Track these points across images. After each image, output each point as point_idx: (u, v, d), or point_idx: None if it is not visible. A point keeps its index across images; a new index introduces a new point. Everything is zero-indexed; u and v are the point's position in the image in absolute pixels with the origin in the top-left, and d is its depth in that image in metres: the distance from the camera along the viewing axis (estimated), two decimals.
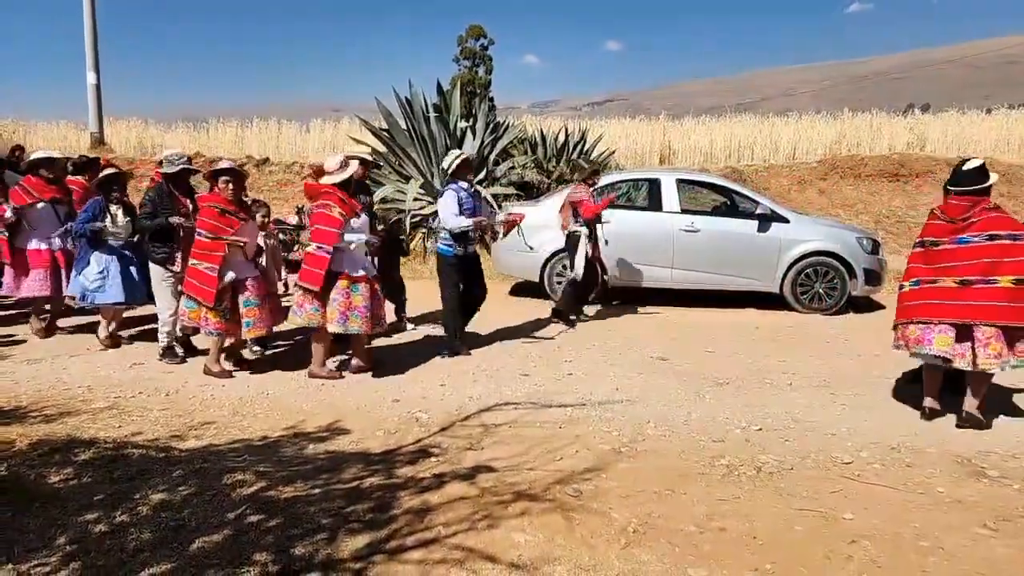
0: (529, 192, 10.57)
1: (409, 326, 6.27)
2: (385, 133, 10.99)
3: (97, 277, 5.20)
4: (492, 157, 10.96)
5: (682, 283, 7.48)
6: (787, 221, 7.34)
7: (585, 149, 12.46)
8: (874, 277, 7.24)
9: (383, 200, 9.93)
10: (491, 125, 11.43)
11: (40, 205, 5.57)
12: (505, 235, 5.85)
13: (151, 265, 5.00)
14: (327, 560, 2.39)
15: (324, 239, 4.52)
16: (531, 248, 6.66)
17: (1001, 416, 4.18)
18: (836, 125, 15.94)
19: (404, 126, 10.71)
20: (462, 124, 10.94)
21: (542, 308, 7.01)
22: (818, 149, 15.00)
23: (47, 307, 5.95)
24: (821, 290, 7.20)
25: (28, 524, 2.52)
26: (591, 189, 6.58)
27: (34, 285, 5.59)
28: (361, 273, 4.65)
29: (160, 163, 5.68)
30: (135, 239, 5.33)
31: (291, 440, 3.60)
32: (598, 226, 6.64)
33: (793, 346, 5.89)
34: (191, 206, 5.02)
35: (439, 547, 2.51)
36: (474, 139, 10.87)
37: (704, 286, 7.48)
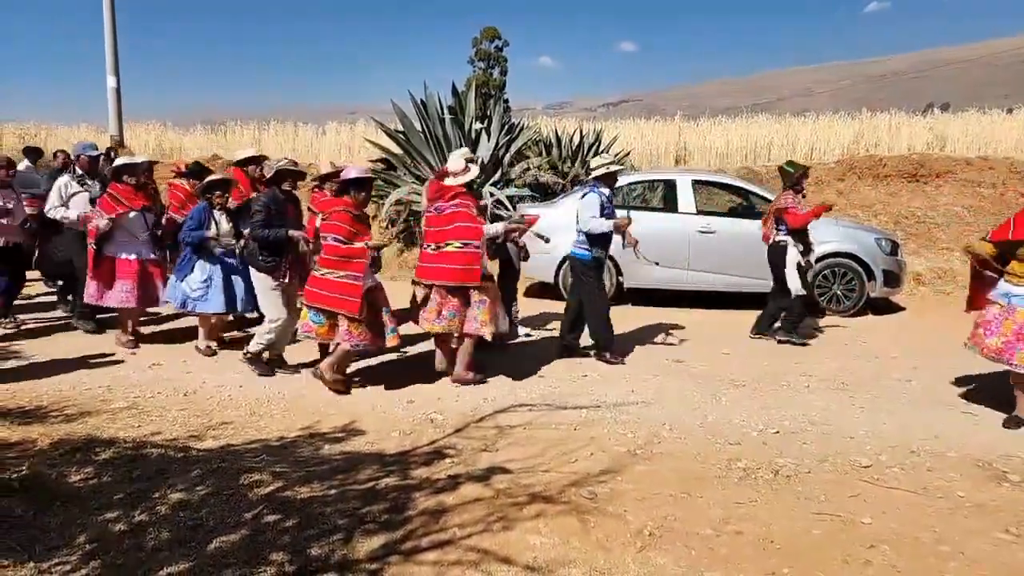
0: (544, 193, 10.56)
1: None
2: (400, 135, 11.04)
3: (201, 285, 5.12)
4: (507, 158, 10.96)
5: (698, 284, 7.42)
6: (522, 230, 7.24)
7: (600, 150, 12.42)
8: (893, 278, 7.13)
9: (398, 202, 9.98)
10: (506, 126, 11.43)
11: (132, 214, 5.40)
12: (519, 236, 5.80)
13: (255, 274, 4.78)
14: (343, 560, 2.40)
15: (472, 235, 4.44)
16: (546, 240, 6.12)
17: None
18: (854, 125, 15.72)
19: (419, 128, 10.75)
20: (477, 125, 10.95)
21: (556, 309, 6.99)
22: (836, 149, 14.81)
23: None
24: (839, 292, 7.11)
25: (49, 523, 2.56)
26: (797, 195, 5.93)
27: (119, 295, 5.40)
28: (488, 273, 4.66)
29: (240, 165, 5.69)
30: (237, 246, 5.20)
31: (307, 440, 3.63)
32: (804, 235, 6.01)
33: (810, 348, 5.82)
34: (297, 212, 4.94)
35: (454, 548, 2.52)
36: (489, 140, 10.88)
37: (720, 288, 7.41)
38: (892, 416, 4.15)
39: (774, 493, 3.08)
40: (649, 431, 3.86)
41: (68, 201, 5.68)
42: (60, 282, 6.65)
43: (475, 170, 4.67)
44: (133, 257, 5.47)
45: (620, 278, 7.61)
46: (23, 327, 6.04)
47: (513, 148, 11.11)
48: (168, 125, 16.82)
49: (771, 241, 6.01)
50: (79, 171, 5.83)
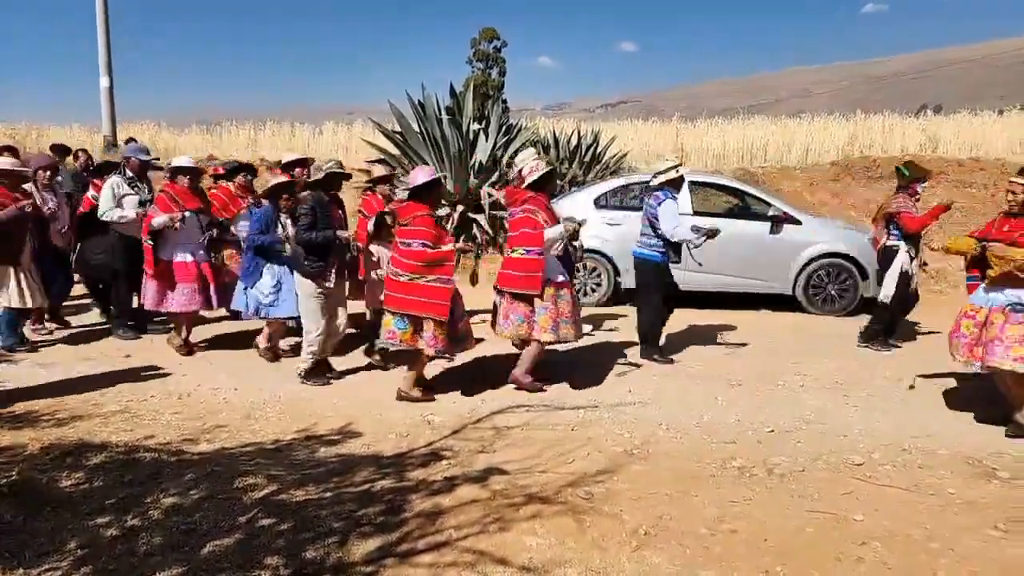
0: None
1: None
2: (398, 135, 11.03)
3: (272, 291, 5.00)
4: (505, 159, 10.96)
5: (695, 285, 7.42)
6: (799, 223, 7.27)
7: (598, 152, 12.42)
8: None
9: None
10: (504, 127, 11.41)
11: (187, 214, 5.28)
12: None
13: (298, 279, 4.64)
14: (338, 563, 2.39)
15: (532, 242, 4.40)
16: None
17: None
18: (849, 126, 15.77)
19: (417, 129, 10.74)
20: (475, 126, 10.94)
21: None
22: (831, 151, 14.84)
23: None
24: (833, 292, 7.12)
25: (39, 528, 2.54)
26: (912, 198, 5.66)
27: (182, 300, 5.28)
28: (562, 279, 4.56)
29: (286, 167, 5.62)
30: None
31: (303, 443, 3.61)
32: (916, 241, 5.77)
33: (805, 348, 5.82)
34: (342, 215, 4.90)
35: (450, 550, 2.51)
36: (487, 141, 10.85)
37: (717, 288, 7.42)
38: (885, 415, 4.16)
39: (768, 491, 3.08)
40: (646, 431, 3.86)
41: (120, 202, 5.59)
42: (99, 286, 6.48)
43: (542, 167, 4.63)
44: (191, 259, 5.36)
45: (618, 279, 7.61)
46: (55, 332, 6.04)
47: (511, 149, 11.09)
48: (162, 125, 16.76)
49: (881, 245, 5.75)
50: (129, 173, 5.74)
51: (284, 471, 3.12)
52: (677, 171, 5.22)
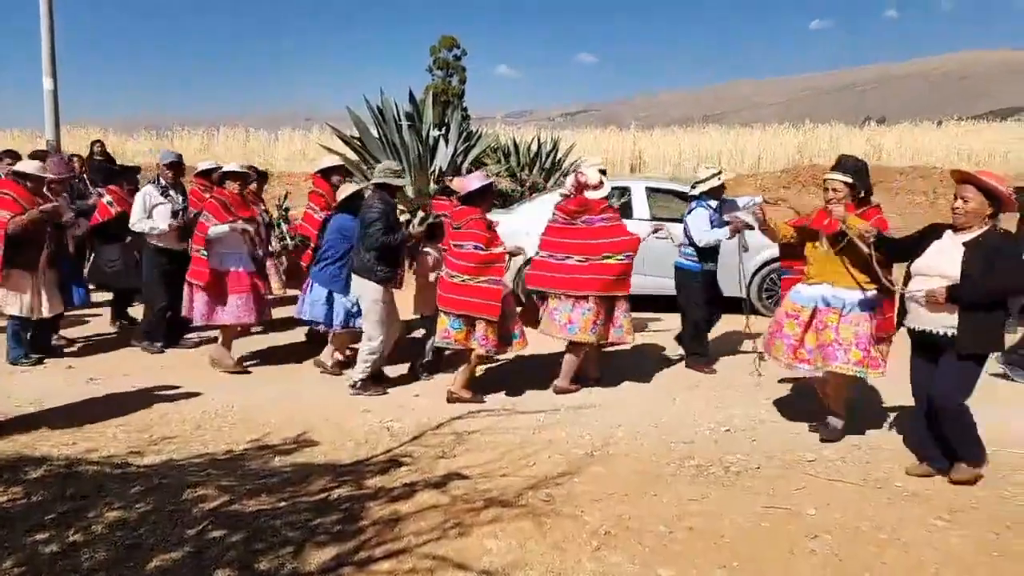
0: (503, 200, 10.60)
1: None
2: (356, 141, 10.92)
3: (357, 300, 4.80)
4: (465, 166, 10.96)
5: (654, 289, 7.53)
6: (752, 227, 7.46)
7: (558, 159, 12.54)
8: None
9: None
10: (464, 134, 11.43)
11: (239, 223, 5.08)
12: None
13: (365, 285, 4.53)
14: (293, 574, 2.33)
15: (632, 247, 4.56)
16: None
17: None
18: (798, 136, 16.37)
19: (376, 134, 10.65)
20: (435, 132, 10.93)
21: None
22: (781, 159, 15.36)
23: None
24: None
25: None
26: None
27: (235, 312, 5.01)
28: None
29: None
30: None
31: (257, 453, 3.51)
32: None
33: (759, 349, 5.96)
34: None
35: (409, 557, 2.47)
36: (447, 148, 10.86)
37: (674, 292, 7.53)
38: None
39: (725, 489, 3.14)
40: (606, 433, 3.88)
41: (151, 212, 5.38)
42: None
43: (609, 182, 4.90)
44: (243, 269, 5.11)
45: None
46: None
47: (471, 155, 11.12)
48: (110, 130, 16.20)
49: None
50: (163, 182, 5.54)
51: (236, 481, 3.03)
52: (719, 179, 5.25)
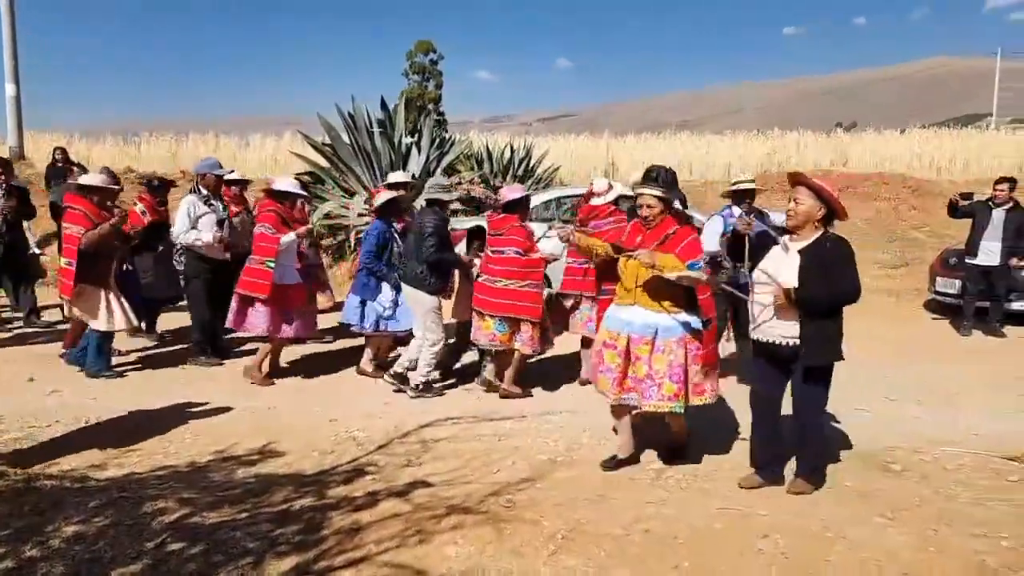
0: (477, 207, 10.66)
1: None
2: (328, 148, 10.90)
3: (391, 304, 5.03)
4: (438, 172, 11.00)
5: None
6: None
7: (531, 165, 12.66)
8: None
9: (326, 215, 9.83)
10: (436, 141, 11.48)
11: (303, 229, 5.22)
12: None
13: (417, 294, 4.75)
14: None
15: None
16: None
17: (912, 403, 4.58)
18: (768, 143, 16.70)
19: (347, 141, 10.65)
20: (407, 140, 10.95)
21: None
22: (751, 166, 15.64)
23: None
24: None
25: None
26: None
27: (299, 325, 5.11)
28: None
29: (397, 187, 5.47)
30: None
31: (220, 465, 3.52)
32: None
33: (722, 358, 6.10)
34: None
35: (368, 565, 2.51)
36: (419, 155, 10.90)
37: None
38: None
39: (682, 492, 3.24)
40: (570, 439, 3.96)
41: (196, 222, 5.29)
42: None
43: (618, 188, 5.04)
44: (301, 281, 5.21)
45: (549, 290, 7.76)
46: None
47: (444, 162, 11.17)
48: (75, 136, 15.89)
49: None
50: (204, 191, 5.44)
51: (198, 494, 3.03)
52: (739, 187, 5.22)
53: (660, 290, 3.30)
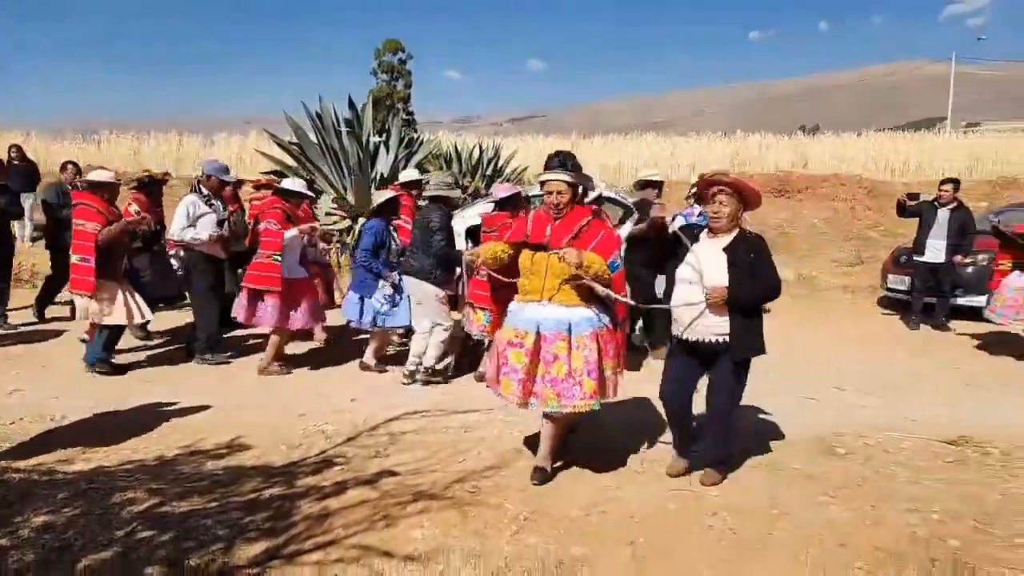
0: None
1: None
2: (295, 147, 10.86)
3: (388, 301, 5.20)
4: (408, 172, 11.05)
5: None
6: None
7: (499, 165, 12.78)
8: None
9: None
10: (405, 140, 11.52)
11: (306, 225, 5.43)
12: None
13: (423, 286, 4.96)
14: (223, 568, 2.43)
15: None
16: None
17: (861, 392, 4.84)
18: (731, 145, 17.15)
19: (315, 140, 10.63)
20: (376, 139, 10.97)
21: None
22: (715, 167, 16.07)
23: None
24: None
25: None
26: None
27: (306, 316, 5.35)
28: None
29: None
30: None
31: (188, 458, 3.55)
32: None
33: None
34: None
35: (337, 548, 2.60)
36: (388, 154, 10.93)
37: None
38: (747, 404, 4.61)
39: (639, 475, 3.40)
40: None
41: (195, 222, 5.39)
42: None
43: (599, 190, 5.05)
44: (306, 274, 5.48)
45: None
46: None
47: (413, 162, 11.21)
48: (33, 134, 15.48)
49: None
50: (205, 191, 5.56)
51: (166, 485, 3.08)
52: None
53: (575, 286, 3.12)
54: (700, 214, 5.07)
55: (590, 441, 3.87)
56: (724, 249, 3.11)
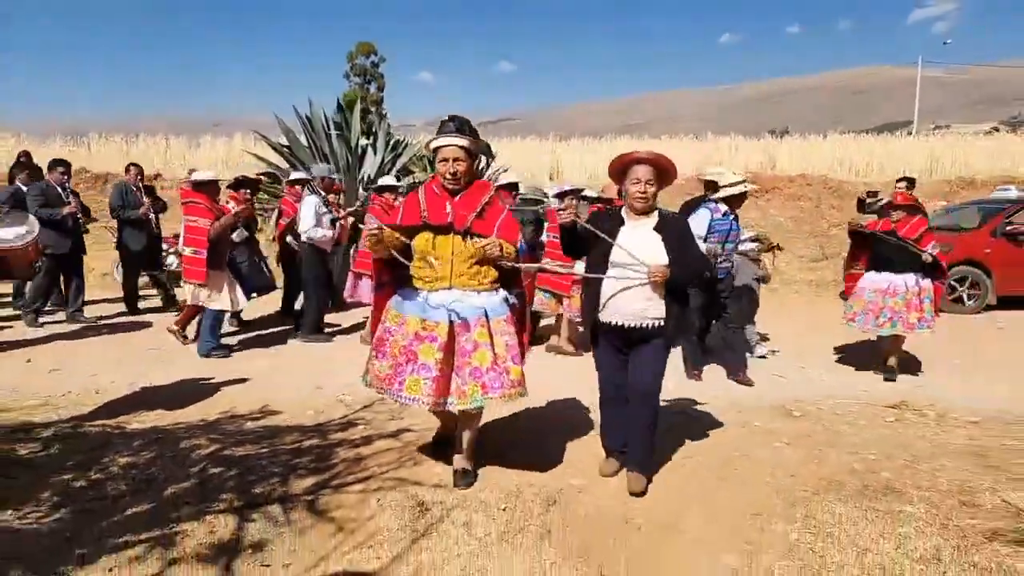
0: None
1: None
2: (285, 148, 11.27)
3: None
4: (393, 173, 11.53)
5: None
6: None
7: (480, 168, 13.30)
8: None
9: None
10: (391, 143, 11.99)
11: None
12: None
13: None
14: (284, 495, 2.92)
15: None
16: None
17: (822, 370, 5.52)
18: (702, 147, 17.92)
19: (305, 142, 11.05)
20: (363, 141, 11.43)
21: None
22: (688, 168, 16.79)
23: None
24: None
25: (12, 483, 2.83)
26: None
27: (367, 292, 6.12)
28: None
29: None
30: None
31: (229, 420, 4.01)
32: None
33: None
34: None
35: (375, 480, 3.11)
36: (375, 156, 11.40)
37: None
38: (724, 381, 5.30)
39: None
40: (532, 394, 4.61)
41: (320, 220, 6.14)
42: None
43: (566, 184, 5.78)
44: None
45: None
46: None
47: (399, 164, 11.69)
48: (22, 136, 15.58)
49: None
50: (323, 192, 6.41)
51: (221, 437, 3.56)
52: (732, 191, 5.04)
53: (484, 268, 2.86)
54: (725, 214, 5.07)
55: (565, 406, 4.42)
56: (655, 229, 3.02)
